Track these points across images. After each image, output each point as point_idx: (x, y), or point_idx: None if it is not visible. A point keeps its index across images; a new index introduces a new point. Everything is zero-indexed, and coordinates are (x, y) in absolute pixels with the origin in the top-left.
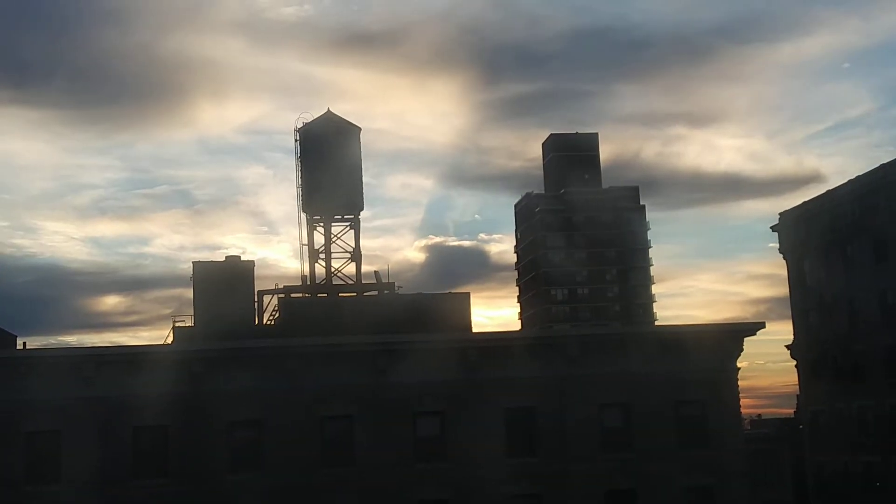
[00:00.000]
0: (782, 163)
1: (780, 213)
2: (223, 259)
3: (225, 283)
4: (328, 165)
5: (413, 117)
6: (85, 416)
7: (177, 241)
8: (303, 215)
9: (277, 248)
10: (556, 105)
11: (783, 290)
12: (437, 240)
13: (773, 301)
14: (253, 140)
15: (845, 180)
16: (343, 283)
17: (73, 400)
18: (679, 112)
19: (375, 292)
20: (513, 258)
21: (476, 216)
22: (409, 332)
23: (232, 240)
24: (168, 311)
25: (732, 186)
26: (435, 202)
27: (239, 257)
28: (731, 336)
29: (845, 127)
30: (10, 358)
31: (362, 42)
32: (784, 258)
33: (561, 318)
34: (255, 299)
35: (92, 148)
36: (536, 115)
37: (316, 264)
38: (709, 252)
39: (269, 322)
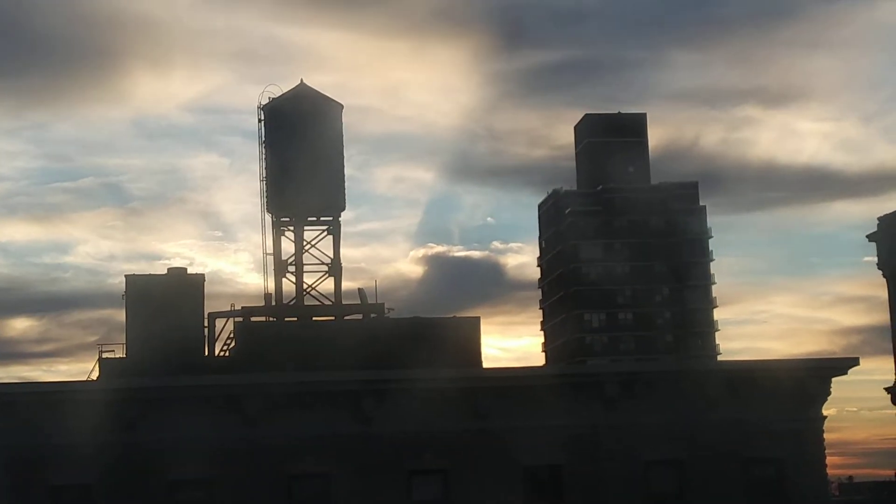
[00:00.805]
0: (881, 153)
1: (879, 218)
2: (165, 272)
3: (167, 302)
4: (300, 153)
5: (409, 92)
6: None
7: (105, 249)
8: (267, 217)
9: (234, 258)
10: (592, 78)
11: (882, 316)
12: (439, 249)
13: (870, 331)
14: (204, 121)
15: None
16: (318, 303)
17: None
18: (750, 88)
19: (360, 316)
20: (536, 273)
21: (488, 219)
22: (403, 367)
23: (176, 248)
24: (93, 339)
25: (817, 183)
26: (436, 201)
27: (185, 270)
28: (816, 376)
29: None
30: None
31: None
32: (884, 275)
33: (597, 350)
34: (206, 324)
35: None
36: (567, 90)
37: (284, 279)
38: (787, 267)
39: (222, 353)
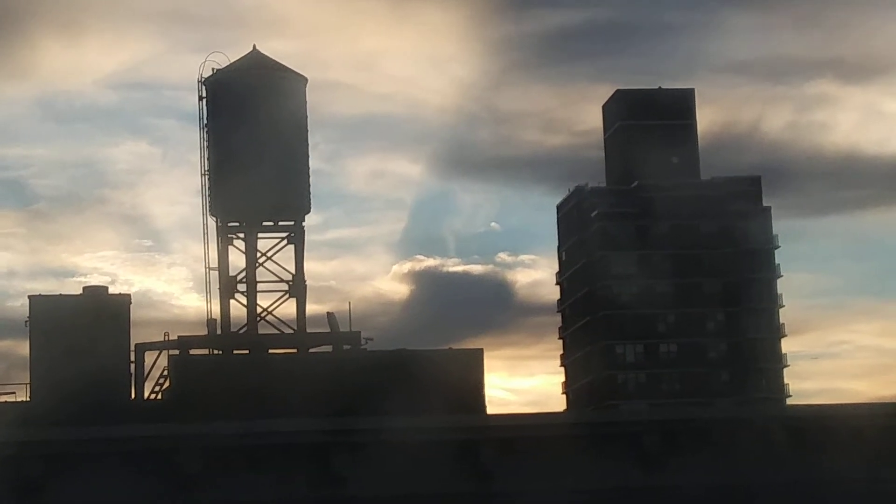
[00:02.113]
0: None
1: None
2: (79, 292)
3: (82, 331)
4: (253, 140)
5: (390, 64)
6: None
7: (3, 263)
8: (211, 222)
9: (168, 274)
10: (624, 45)
11: None
12: (430, 263)
13: None
14: (128, 99)
15: None
16: (276, 332)
17: None
18: (824, 58)
19: (329, 348)
20: (554, 294)
21: (493, 225)
22: (385, 413)
23: (94, 261)
24: None
25: None
26: (426, 202)
27: (106, 289)
28: None
29: None
30: None
31: None
32: None
33: (632, 392)
34: (132, 358)
35: None
36: (592, 60)
37: (232, 301)
38: (872, 286)
39: (153, 395)
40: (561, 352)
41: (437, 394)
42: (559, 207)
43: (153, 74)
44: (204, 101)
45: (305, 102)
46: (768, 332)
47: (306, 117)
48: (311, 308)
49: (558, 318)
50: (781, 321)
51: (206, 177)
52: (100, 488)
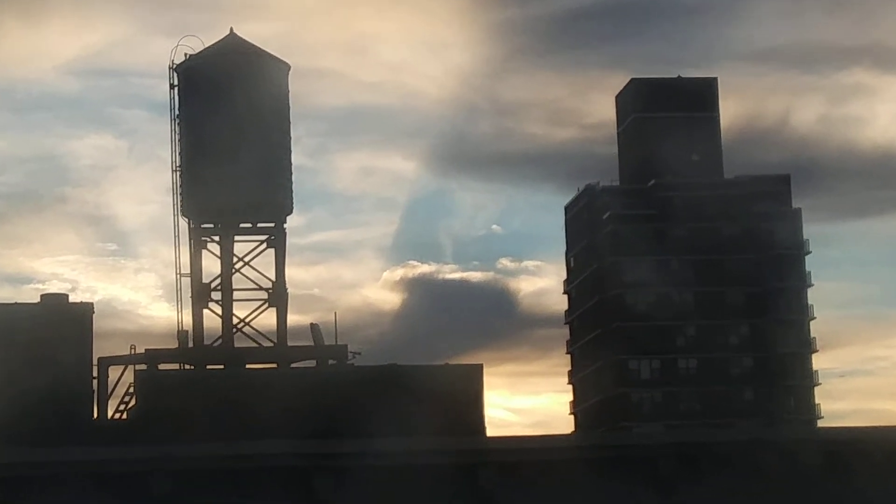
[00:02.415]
0: None
1: None
2: (37, 300)
3: (40, 343)
4: (229, 132)
5: (382, 49)
6: None
7: None
8: (182, 223)
9: (136, 281)
10: (640, 29)
11: None
12: (425, 269)
13: None
14: (93, 88)
15: None
16: (254, 344)
17: None
18: (860, 45)
19: (313, 362)
20: (561, 303)
21: (494, 227)
22: (373, 434)
23: (53, 266)
24: None
25: None
26: (420, 202)
27: (66, 297)
28: None
29: None
30: None
31: None
32: None
33: (648, 412)
34: (95, 373)
35: None
36: (605, 46)
37: (205, 310)
38: None
39: (118, 414)
40: (569, 368)
41: (431, 414)
42: (567, 208)
43: (120, 60)
44: (175, 89)
45: (288, 91)
46: (797, 347)
47: (288, 108)
48: (293, 319)
49: (566, 330)
50: (812, 334)
51: (178, 173)
52: None
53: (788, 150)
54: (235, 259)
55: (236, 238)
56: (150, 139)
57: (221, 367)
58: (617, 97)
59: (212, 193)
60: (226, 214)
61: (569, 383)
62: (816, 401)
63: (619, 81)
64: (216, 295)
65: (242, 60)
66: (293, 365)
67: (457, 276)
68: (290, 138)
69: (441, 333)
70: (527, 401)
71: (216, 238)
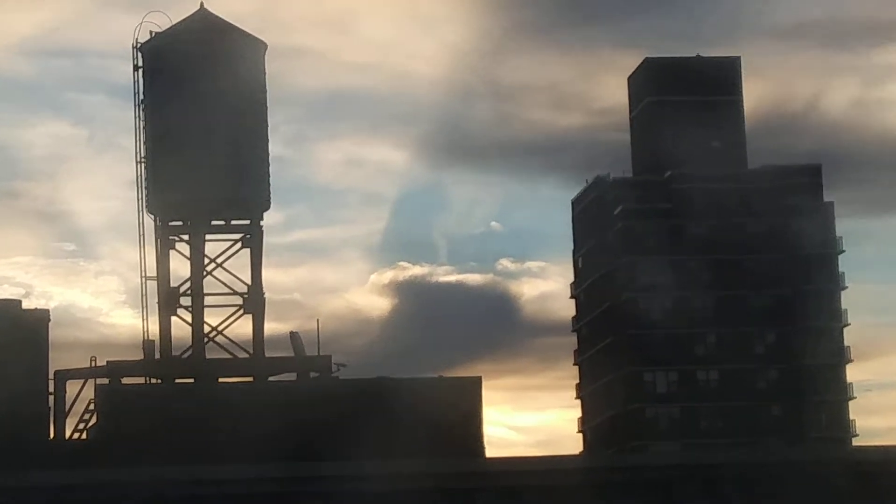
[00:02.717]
0: None
1: None
2: None
3: None
4: (199, 119)
5: (367, 26)
6: None
7: None
8: (148, 220)
9: (96, 285)
10: (654, 3)
11: None
12: (416, 271)
13: None
14: (46, 69)
15: None
16: (228, 355)
17: None
18: None
19: (294, 375)
20: (569, 309)
21: (493, 224)
22: (359, 455)
23: (3, 269)
24: None
25: None
26: (411, 196)
27: (19, 303)
28: None
29: None
30: None
31: None
32: None
33: (665, 429)
34: (51, 388)
35: None
36: (615, 22)
37: (174, 317)
38: None
39: (77, 433)
40: (577, 381)
41: (424, 432)
42: (574, 203)
43: (76, 39)
44: (140, 71)
45: (264, 73)
46: (829, 357)
47: (265, 92)
48: (271, 327)
49: (573, 339)
50: (846, 343)
51: (142, 165)
52: None
53: (819, 137)
54: (207, 260)
55: (207, 237)
56: (111, 127)
57: (191, 381)
58: (629, 79)
59: (180, 187)
60: (196, 211)
61: (577, 398)
62: (851, 417)
63: (632, 61)
64: (185, 301)
65: (214, 39)
66: (271, 378)
67: (452, 278)
68: (268, 126)
69: (435, 343)
70: (530, 417)
71: (185, 237)
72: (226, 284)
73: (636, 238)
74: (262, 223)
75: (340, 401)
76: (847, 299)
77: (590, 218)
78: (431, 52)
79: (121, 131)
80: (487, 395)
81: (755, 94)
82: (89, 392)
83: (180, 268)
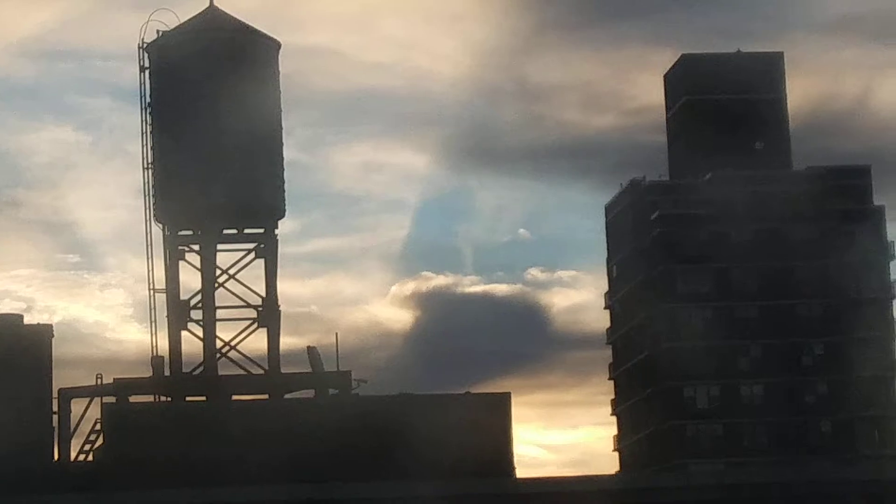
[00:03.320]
0: None
1: None
2: None
3: None
4: (210, 123)
5: (387, 24)
6: None
7: None
8: (156, 230)
9: (102, 298)
10: None
11: None
12: (440, 282)
13: None
14: (50, 72)
15: None
16: (242, 372)
17: None
18: None
19: (311, 392)
20: (602, 319)
21: (521, 231)
22: (381, 475)
23: (5, 282)
24: None
25: None
26: (435, 203)
27: (20, 318)
28: None
29: None
30: None
31: None
32: None
33: (706, 448)
34: (56, 407)
35: None
36: (650, 17)
37: (184, 332)
38: None
39: (82, 455)
40: (612, 396)
41: (450, 452)
42: (608, 209)
43: (80, 40)
44: (147, 72)
45: (278, 74)
46: (881, 369)
47: (279, 93)
48: (287, 341)
49: (608, 352)
50: None
51: (150, 171)
52: None
53: (867, 137)
54: (219, 272)
55: (219, 247)
56: (117, 132)
57: (203, 398)
58: (665, 77)
59: (190, 195)
60: (207, 219)
61: (612, 414)
62: None
63: (668, 58)
64: (196, 314)
65: (225, 38)
66: (287, 396)
67: (478, 289)
68: (282, 129)
69: (461, 357)
70: (563, 435)
71: (195, 247)
72: (239, 297)
73: (674, 245)
74: (276, 232)
75: (361, 419)
76: None
77: (624, 224)
78: (455, 51)
79: (127, 136)
80: (517, 411)
81: (799, 91)
82: (95, 411)
83: (191, 279)
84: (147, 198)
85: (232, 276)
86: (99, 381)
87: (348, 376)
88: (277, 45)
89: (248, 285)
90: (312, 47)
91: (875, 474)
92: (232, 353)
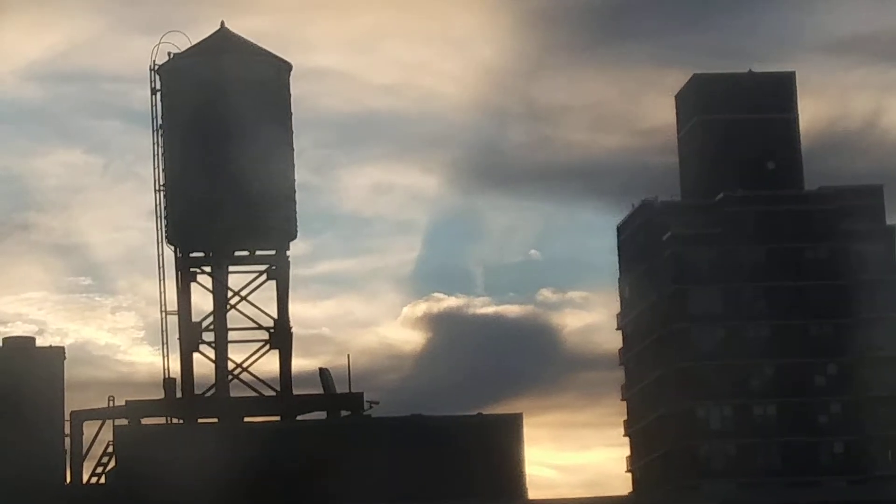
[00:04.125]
0: None
1: None
2: None
3: (2, 393)
4: (221, 145)
5: (395, 45)
6: None
7: None
8: (168, 252)
9: (113, 321)
10: (702, 17)
11: None
12: (451, 303)
13: None
14: (59, 95)
15: None
16: (254, 393)
17: None
18: None
19: (324, 414)
20: (615, 341)
21: (532, 253)
22: (394, 497)
23: (16, 305)
24: None
25: None
26: (445, 224)
27: (33, 341)
28: None
29: None
30: None
31: None
32: None
33: (718, 468)
34: (67, 430)
35: None
36: (660, 37)
37: (196, 354)
38: None
39: (94, 477)
40: (624, 417)
41: (462, 473)
42: (620, 229)
43: (90, 62)
44: (158, 94)
45: (289, 96)
46: (895, 390)
47: (290, 115)
48: (299, 363)
49: (620, 373)
50: None
51: (161, 193)
52: None
53: (880, 156)
54: (230, 294)
55: (231, 269)
56: (128, 154)
57: (215, 421)
58: (676, 97)
59: (202, 217)
60: (218, 241)
61: (625, 435)
62: None
63: (678, 78)
64: (208, 336)
65: (236, 60)
66: (299, 417)
67: (489, 310)
68: (293, 151)
69: (472, 378)
70: (575, 457)
71: (207, 269)
72: (251, 319)
73: (686, 265)
74: (288, 254)
75: (373, 440)
76: None
77: (636, 244)
78: (463, 72)
79: (138, 159)
80: (529, 433)
81: (811, 111)
82: (107, 434)
83: (202, 302)
84: (159, 220)
85: (244, 298)
86: (111, 403)
87: (360, 398)
88: (289, 67)
89: (260, 307)
90: (322, 69)
91: (889, 496)
92: (244, 375)
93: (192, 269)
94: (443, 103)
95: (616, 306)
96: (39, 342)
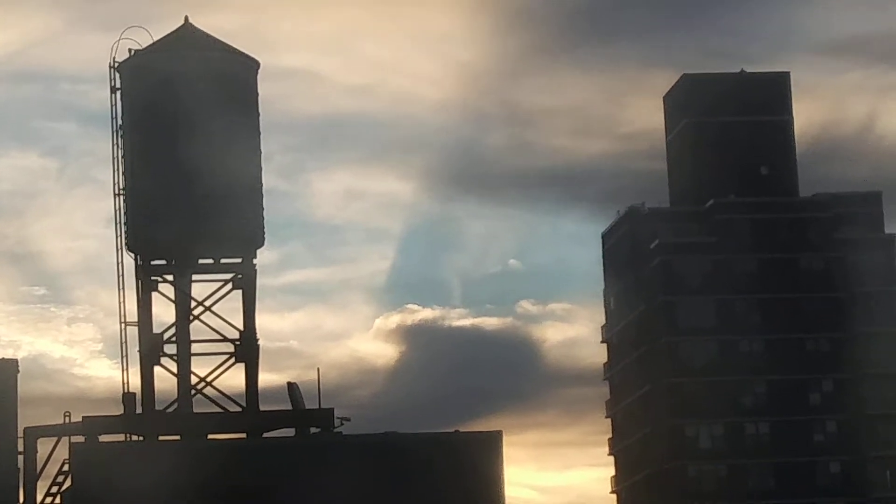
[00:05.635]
0: None
1: None
2: None
3: None
4: (185, 146)
5: (369, 44)
6: None
7: None
8: (128, 260)
9: (69, 333)
10: (691, 16)
11: None
12: (426, 314)
13: None
14: (14, 95)
15: None
16: (219, 409)
17: None
18: None
19: (292, 431)
20: (598, 354)
21: (511, 262)
22: None
23: None
24: None
25: None
26: (420, 231)
27: None
28: None
29: None
30: None
31: None
32: None
33: (710, 490)
34: (21, 447)
35: None
36: (647, 37)
37: (157, 367)
38: None
39: (49, 497)
40: (609, 435)
41: (438, 493)
42: (605, 237)
43: (46, 60)
44: (118, 93)
45: (257, 96)
46: (893, 408)
47: (258, 116)
48: (266, 377)
49: (605, 389)
50: None
51: (121, 198)
52: None
53: (878, 161)
54: (194, 304)
55: (194, 278)
56: (86, 157)
57: (177, 438)
58: (664, 99)
59: (164, 223)
60: (181, 249)
61: (610, 454)
62: None
63: (666, 80)
64: (170, 349)
65: (200, 57)
66: (266, 435)
67: (467, 322)
68: (260, 154)
69: (449, 394)
70: (557, 477)
71: (169, 278)
72: (215, 330)
73: (675, 275)
74: (255, 262)
75: (344, 459)
76: None
77: (622, 253)
78: (439, 74)
79: (96, 163)
80: (509, 451)
81: (806, 114)
82: (63, 451)
83: (164, 312)
84: (118, 226)
85: (208, 309)
86: (67, 419)
87: (330, 414)
88: (257, 65)
89: (225, 318)
90: (291, 69)
91: None
92: (207, 390)
93: (153, 278)
94: (418, 106)
95: (600, 318)
96: None
